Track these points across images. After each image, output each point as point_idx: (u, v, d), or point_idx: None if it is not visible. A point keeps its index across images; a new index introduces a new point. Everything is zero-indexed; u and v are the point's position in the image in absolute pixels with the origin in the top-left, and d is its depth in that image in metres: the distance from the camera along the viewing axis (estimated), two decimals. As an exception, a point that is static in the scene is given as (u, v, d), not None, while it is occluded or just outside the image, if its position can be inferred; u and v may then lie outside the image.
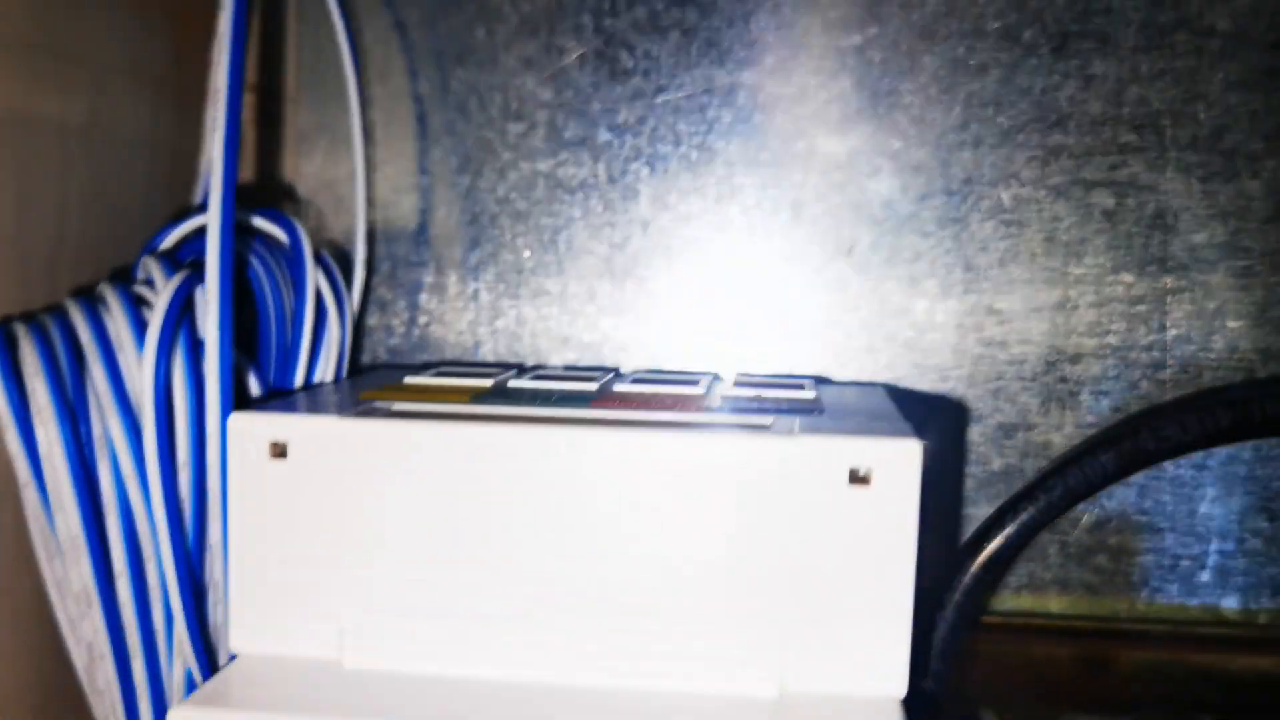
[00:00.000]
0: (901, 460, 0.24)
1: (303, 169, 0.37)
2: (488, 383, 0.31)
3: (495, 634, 0.25)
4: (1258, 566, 0.34)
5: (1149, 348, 0.34)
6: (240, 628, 0.26)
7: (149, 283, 0.29)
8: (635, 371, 0.34)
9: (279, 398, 0.29)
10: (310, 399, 0.28)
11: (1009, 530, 0.28)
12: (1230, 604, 0.34)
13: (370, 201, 0.36)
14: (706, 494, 0.25)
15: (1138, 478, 0.34)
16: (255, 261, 0.30)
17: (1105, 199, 0.34)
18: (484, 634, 0.25)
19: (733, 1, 0.34)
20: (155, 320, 0.27)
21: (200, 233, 0.31)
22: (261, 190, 0.37)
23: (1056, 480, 0.28)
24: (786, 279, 0.35)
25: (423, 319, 0.37)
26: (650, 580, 0.25)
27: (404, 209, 0.36)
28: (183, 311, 0.28)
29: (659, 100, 0.35)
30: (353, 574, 0.26)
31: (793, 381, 0.32)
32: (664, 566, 0.25)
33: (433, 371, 0.32)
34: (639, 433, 0.25)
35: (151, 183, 0.35)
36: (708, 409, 0.28)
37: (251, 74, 0.38)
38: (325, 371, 0.32)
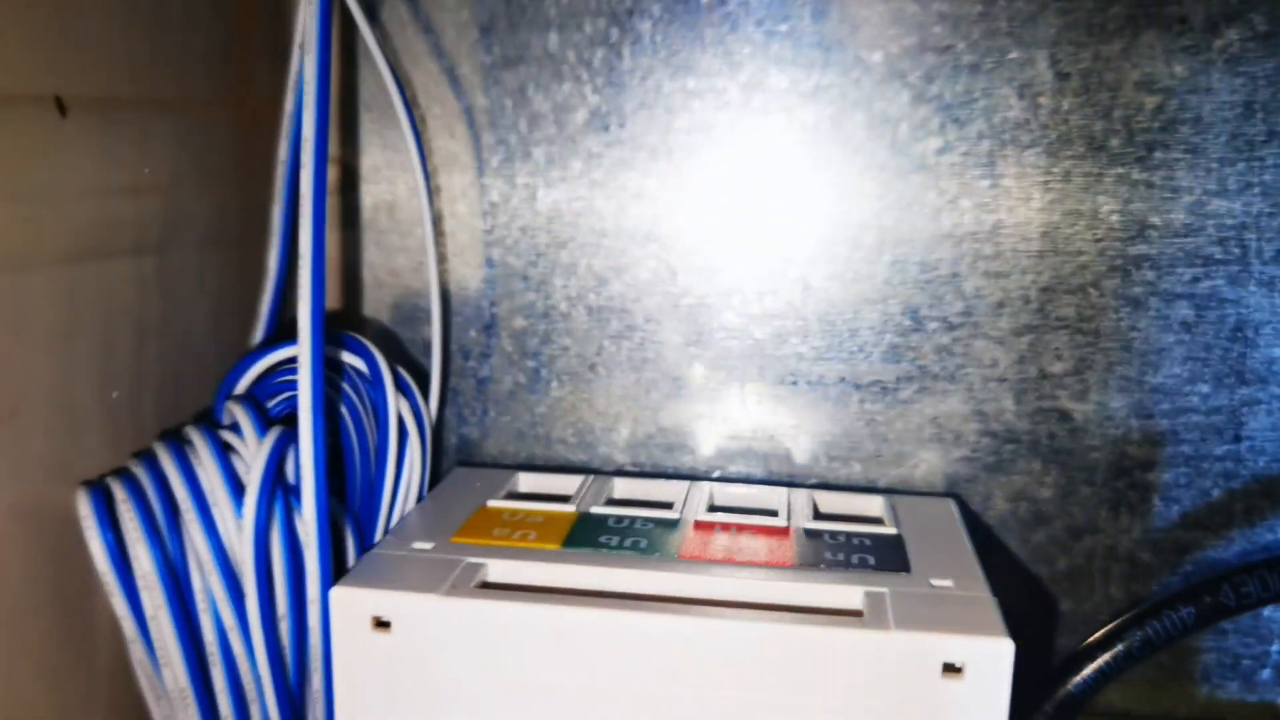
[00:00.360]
0: (994, 657, 0.25)
1: (369, 257, 0.37)
2: (570, 510, 0.31)
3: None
4: (1317, 668, 0.35)
5: (1222, 458, 0.34)
6: (346, 782, 0.27)
7: (235, 427, 0.29)
8: (711, 483, 0.34)
9: (369, 552, 0.29)
10: (405, 557, 0.28)
11: (1084, 675, 0.29)
12: (1288, 702, 0.35)
13: (445, 299, 0.36)
14: (802, 680, 0.25)
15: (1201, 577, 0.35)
16: (341, 403, 0.31)
17: (1184, 311, 0.34)
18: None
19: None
20: (252, 489, 0.27)
21: (279, 365, 0.31)
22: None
23: (1135, 630, 0.29)
24: (861, 376, 0.35)
25: (493, 410, 0.37)
26: (746, 757, 0.26)
27: (471, 297, 0.36)
28: (278, 472, 0.28)
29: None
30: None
31: (868, 514, 0.33)
32: (759, 745, 0.26)
33: (510, 493, 0.33)
34: (738, 622, 0.26)
35: (222, 284, 0.34)
36: (797, 561, 0.28)
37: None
38: (408, 494, 0.32)
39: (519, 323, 0.36)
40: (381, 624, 0.27)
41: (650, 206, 0.35)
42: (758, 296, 0.35)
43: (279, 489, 0.28)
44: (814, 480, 0.36)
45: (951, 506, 0.33)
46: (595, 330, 0.36)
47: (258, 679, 0.28)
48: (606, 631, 0.26)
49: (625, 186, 0.35)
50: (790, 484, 0.35)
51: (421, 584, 0.27)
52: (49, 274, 0.27)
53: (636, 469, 0.37)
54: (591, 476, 0.34)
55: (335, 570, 0.29)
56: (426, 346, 0.36)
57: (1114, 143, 0.33)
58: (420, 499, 0.33)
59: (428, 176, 0.35)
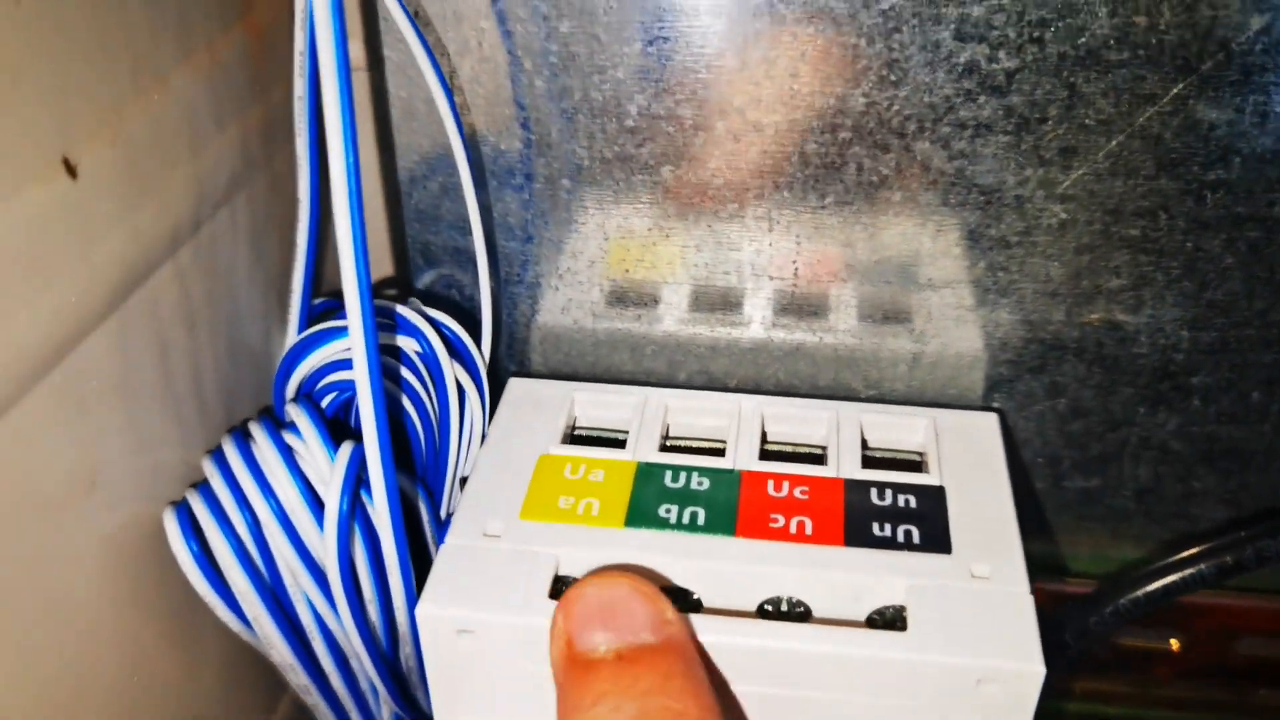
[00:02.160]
0: (1026, 677, 0.27)
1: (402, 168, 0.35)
2: (629, 460, 0.33)
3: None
4: None
5: (1269, 365, 0.34)
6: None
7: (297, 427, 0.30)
8: (760, 405, 0.35)
9: (445, 547, 0.30)
10: (479, 552, 0.30)
11: (1104, 612, 0.32)
12: None
13: (492, 257, 0.34)
14: (849, 683, 0.28)
15: (1228, 462, 0.37)
16: (402, 393, 0.31)
17: (1254, 233, 0.32)
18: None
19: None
20: (331, 510, 0.29)
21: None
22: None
23: (1150, 581, 0.31)
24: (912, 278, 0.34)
25: (529, 309, 0.37)
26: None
27: (503, 213, 0.35)
28: (355, 490, 0.29)
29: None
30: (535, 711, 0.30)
31: (911, 448, 0.34)
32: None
33: (568, 432, 0.34)
34: (786, 641, 0.28)
35: (254, 230, 0.33)
36: (846, 538, 0.30)
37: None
38: (472, 445, 0.33)
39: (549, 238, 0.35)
40: (465, 630, 0.29)
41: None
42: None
43: (356, 495, 0.30)
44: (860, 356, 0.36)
45: (995, 427, 0.34)
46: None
47: (352, 647, 0.31)
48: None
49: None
50: (834, 393, 0.36)
51: (498, 596, 0.29)
52: (100, 333, 0.26)
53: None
54: (645, 397, 0.35)
55: (412, 546, 0.31)
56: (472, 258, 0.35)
57: (1207, 65, 0.30)
58: (483, 436, 0.34)
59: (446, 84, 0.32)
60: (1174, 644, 0.40)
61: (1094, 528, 0.39)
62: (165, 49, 0.28)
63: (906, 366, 0.36)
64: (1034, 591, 0.29)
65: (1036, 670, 0.27)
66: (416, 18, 0.31)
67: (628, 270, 0.35)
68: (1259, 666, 0.40)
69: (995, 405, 0.36)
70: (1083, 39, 0.30)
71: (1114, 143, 0.31)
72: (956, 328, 0.35)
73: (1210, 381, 0.35)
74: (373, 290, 0.27)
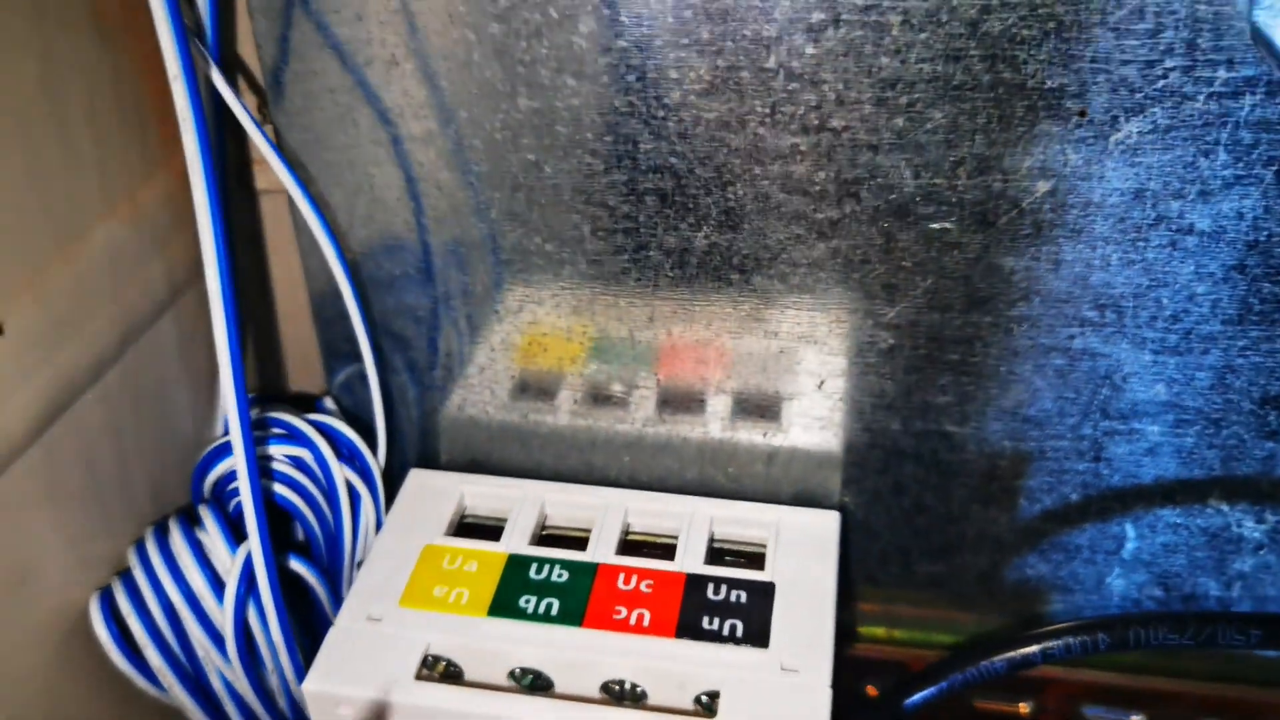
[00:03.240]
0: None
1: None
2: (500, 551, 0.37)
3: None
4: (1148, 618, 0.41)
5: (1083, 473, 0.38)
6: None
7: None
8: (628, 501, 0.39)
9: (332, 630, 0.35)
10: (361, 635, 0.35)
11: (915, 697, 0.36)
12: (1120, 639, 0.42)
13: (382, 366, 0.39)
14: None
15: (1056, 554, 0.40)
16: (286, 490, 0.36)
17: (1059, 361, 0.36)
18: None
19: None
20: (229, 597, 0.34)
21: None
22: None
23: (956, 672, 0.35)
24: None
25: (440, 406, 0.41)
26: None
27: (405, 326, 0.40)
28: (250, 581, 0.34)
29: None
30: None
31: (756, 542, 0.38)
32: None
33: (454, 522, 0.39)
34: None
35: (181, 339, 0.38)
36: (678, 630, 0.35)
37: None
38: (368, 535, 0.38)
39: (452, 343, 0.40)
40: (344, 704, 0.34)
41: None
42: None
43: (253, 586, 0.35)
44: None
45: (833, 526, 0.38)
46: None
47: (262, 716, 0.36)
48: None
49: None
50: (699, 487, 0.41)
51: (370, 675, 0.34)
52: (26, 458, 0.31)
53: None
54: (525, 491, 0.39)
55: (308, 622, 0.36)
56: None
57: (1003, 220, 0.34)
58: (379, 525, 0.39)
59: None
60: (1023, 708, 0.44)
61: (945, 606, 0.43)
62: (86, 208, 0.33)
63: (763, 464, 0.40)
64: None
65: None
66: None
67: (513, 375, 0.40)
68: (1102, 732, 0.44)
69: (847, 500, 0.40)
70: (893, 195, 0.34)
71: (929, 281, 0.35)
72: (805, 433, 0.39)
73: (1033, 485, 0.39)
74: (291, 398, 0.32)
